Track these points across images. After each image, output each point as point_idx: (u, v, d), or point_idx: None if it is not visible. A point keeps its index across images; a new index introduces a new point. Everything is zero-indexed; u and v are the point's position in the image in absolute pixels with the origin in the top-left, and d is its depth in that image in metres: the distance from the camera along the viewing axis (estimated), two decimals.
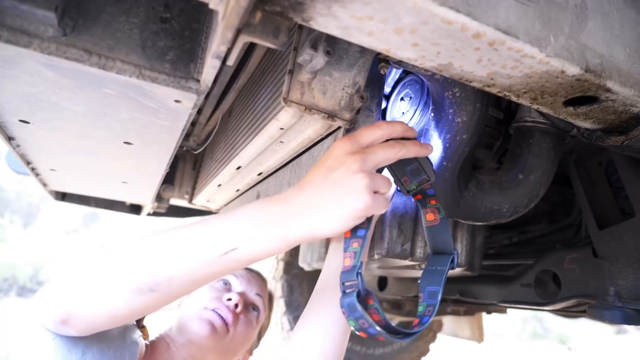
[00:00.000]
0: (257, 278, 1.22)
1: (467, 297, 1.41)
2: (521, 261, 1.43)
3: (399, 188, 0.73)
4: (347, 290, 0.62)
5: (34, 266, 9.96)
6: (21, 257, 9.92)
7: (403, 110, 1.04)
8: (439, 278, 0.69)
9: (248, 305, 1.11)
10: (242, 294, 1.11)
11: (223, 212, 0.65)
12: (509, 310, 2.23)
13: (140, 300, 0.62)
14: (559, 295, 1.06)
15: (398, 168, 0.71)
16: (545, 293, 1.15)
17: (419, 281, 0.72)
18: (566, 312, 1.54)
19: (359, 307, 0.59)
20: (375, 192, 0.61)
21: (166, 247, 0.61)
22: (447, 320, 2.95)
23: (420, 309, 0.69)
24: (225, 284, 1.14)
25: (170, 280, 0.60)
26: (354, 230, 0.65)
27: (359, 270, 0.62)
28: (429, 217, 0.72)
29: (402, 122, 0.68)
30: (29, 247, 10.51)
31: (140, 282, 0.60)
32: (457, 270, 1.18)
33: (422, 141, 0.77)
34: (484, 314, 2.70)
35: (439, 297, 0.67)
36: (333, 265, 0.83)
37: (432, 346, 2.98)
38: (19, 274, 9.62)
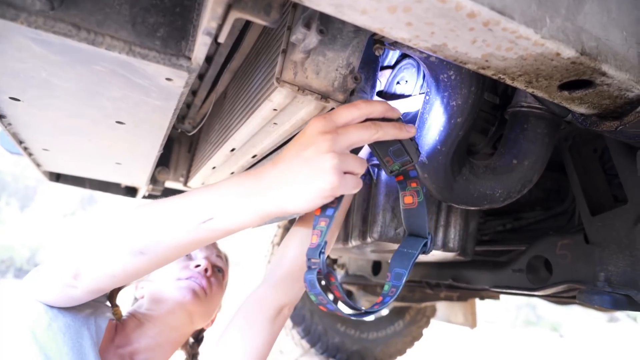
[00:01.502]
0: (212, 244, 1.28)
1: (460, 282, 1.42)
2: (514, 247, 1.44)
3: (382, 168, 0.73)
4: (312, 267, 0.66)
5: (31, 248, 9.97)
6: (18, 239, 9.92)
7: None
8: (408, 261, 0.70)
9: (214, 268, 1.16)
10: (206, 258, 1.16)
11: (209, 185, 0.67)
12: (502, 297, 2.25)
13: (133, 261, 0.67)
14: (549, 281, 1.07)
15: (380, 148, 0.70)
16: (536, 278, 1.16)
17: (389, 260, 0.73)
18: (557, 298, 1.56)
19: (317, 284, 0.63)
20: (346, 173, 0.61)
21: (154, 215, 0.67)
22: (441, 306, 2.98)
23: (386, 288, 0.71)
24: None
25: (158, 244, 0.66)
26: (323, 208, 0.66)
27: (322, 250, 0.64)
28: (407, 199, 0.72)
29: (383, 102, 0.67)
30: (26, 230, 10.51)
31: (132, 245, 0.66)
32: (450, 255, 1.19)
33: (408, 123, 0.77)
34: (477, 300, 2.73)
35: (404, 280, 0.69)
36: (291, 244, 0.91)
37: (425, 331, 3.02)
38: (16, 256, 9.64)
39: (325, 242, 0.65)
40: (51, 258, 0.74)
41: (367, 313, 0.69)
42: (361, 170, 0.63)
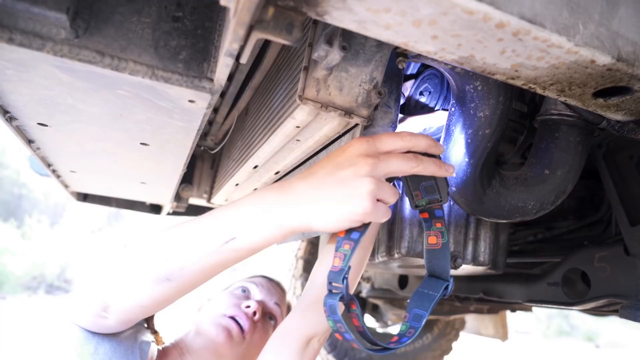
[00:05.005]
0: (277, 288, 1.23)
1: (491, 296, 1.37)
2: (547, 259, 1.39)
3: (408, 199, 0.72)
4: (333, 291, 0.63)
5: (61, 264, 10.22)
6: (49, 255, 10.19)
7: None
8: (428, 303, 0.67)
9: (266, 314, 1.12)
10: (260, 302, 1.11)
11: (231, 202, 0.66)
12: (534, 307, 2.18)
13: (160, 289, 0.66)
14: (588, 295, 1.02)
15: (413, 181, 0.69)
16: (573, 292, 1.11)
17: (402, 302, 0.71)
18: (596, 311, 1.49)
19: (338, 310, 0.61)
20: (378, 200, 0.60)
21: (176, 239, 0.65)
22: (470, 318, 2.90)
23: (403, 328, 0.69)
24: (244, 291, 1.16)
25: (182, 270, 0.64)
26: (349, 231, 0.64)
27: (346, 275, 0.62)
28: (430, 240, 0.71)
29: (428, 137, 0.65)
30: (56, 246, 10.79)
31: (157, 272, 0.65)
32: (481, 269, 1.15)
33: (443, 160, 0.75)
34: (508, 312, 2.65)
35: (423, 322, 0.67)
36: (320, 270, 0.85)
37: (454, 344, 2.94)
38: (47, 272, 9.89)
39: (349, 267, 0.62)
40: (82, 286, 0.73)
41: (384, 349, 0.66)
42: (393, 200, 0.62)
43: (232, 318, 1.04)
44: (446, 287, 0.69)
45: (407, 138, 0.63)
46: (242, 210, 0.63)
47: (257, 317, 1.06)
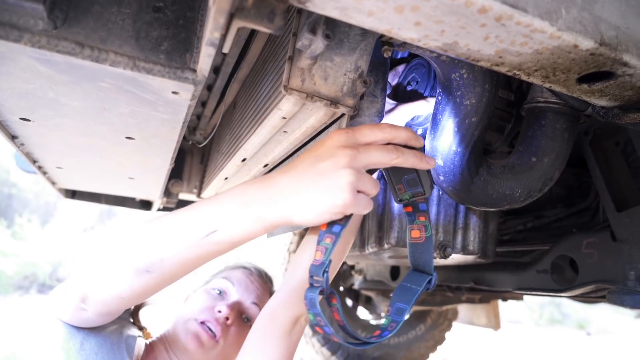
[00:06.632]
0: (258, 281, 1.20)
1: (482, 285, 1.38)
2: (536, 247, 1.39)
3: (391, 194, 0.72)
4: (314, 284, 0.63)
5: (53, 263, 10.13)
6: (40, 255, 10.09)
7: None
8: (411, 297, 0.68)
9: (241, 315, 1.10)
10: (235, 304, 1.09)
11: (213, 196, 0.65)
12: (525, 296, 2.20)
13: (139, 281, 0.66)
14: (576, 281, 1.03)
15: (395, 174, 0.69)
16: (562, 279, 1.12)
17: (391, 294, 0.71)
18: (584, 298, 1.51)
19: (318, 304, 0.61)
20: (359, 192, 0.59)
21: (157, 231, 0.65)
22: (463, 308, 2.93)
23: (385, 322, 0.69)
24: (220, 293, 1.13)
25: (162, 262, 0.64)
26: (330, 224, 0.63)
27: (326, 269, 0.62)
28: (414, 234, 0.71)
29: (408, 129, 0.65)
30: (48, 245, 10.69)
31: (137, 264, 0.65)
32: (470, 258, 1.15)
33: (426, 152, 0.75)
34: (499, 301, 2.67)
35: (405, 316, 0.67)
36: (307, 252, 0.85)
37: (448, 335, 2.96)
38: (39, 271, 9.80)
39: (330, 261, 0.62)
40: (65, 281, 0.74)
41: (364, 344, 0.66)
42: (374, 191, 0.61)
43: (203, 324, 1.02)
44: (429, 281, 0.69)
45: (387, 130, 0.63)
46: (223, 204, 0.63)
47: (229, 321, 1.04)
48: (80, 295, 0.70)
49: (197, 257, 0.64)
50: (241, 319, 1.09)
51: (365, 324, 2.84)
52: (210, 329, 1.01)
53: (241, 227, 0.61)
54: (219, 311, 1.05)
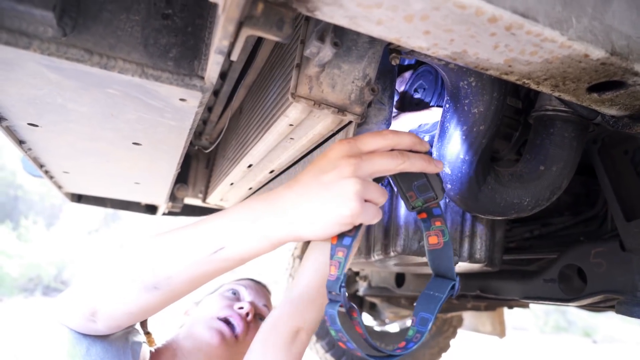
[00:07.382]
0: (264, 290, 1.24)
1: (488, 293, 1.37)
2: (543, 255, 1.38)
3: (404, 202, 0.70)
4: (332, 300, 0.63)
5: (58, 266, 10.17)
6: (45, 257, 10.14)
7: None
8: (434, 306, 0.66)
9: (256, 315, 1.12)
10: (252, 303, 1.11)
11: (219, 211, 0.65)
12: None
13: (147, 297, 0.65)
14: (585, 291, 1.02)
15: (404, 182, 0.67)
16: (569, 288, 1.11)
17: (414, 303, 0.70)
18: (592, 307, 1.49)
19: (338, 320, 0.60)
20: (366, 201, 0.58)
21: (164, 247, 0.64)
22: (468, 316, 2.91)
23: (410, 333, 0.67)
24: (234, 293, 1.16)
25: (170, 279, 0.63)
26: (340, 237, 0.62)
27: (342, 284, 0.60)
28: (431, 240, 0.68)
29: (411, 134, 0.63)
30: (53, 247, 10.74)
31: (145, 280, 0.64)
32: (477, 266, 1.14)
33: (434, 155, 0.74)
34: (505, 309, 2.65)
35: (430, 325, 0.65)
36: (310, 260, 0.84)
37: (452, 342, 2.94)
38: (44, 273, 9.84)
39: (345, 275, 0.61)
40: (72, 289, 0.73)
41: (389, 357, 0.64)
42: (382, 200, 0.60)
43: (225, 320, 1.03)
44: (452, 287, 0.67)
45: (389, 136, 0.61)
46: (230, 220, 0.62)
47: (249, 317, 1.06)
48: (90, 308, 0.69)
49: (205, 274, 0.64)
50: (257, 319, 1.11)
51: (370, 330, 2.83)
52: (231, 325, 1.03)
53: (248, 244, 0.61)
54: (240, 307, 1.07)
